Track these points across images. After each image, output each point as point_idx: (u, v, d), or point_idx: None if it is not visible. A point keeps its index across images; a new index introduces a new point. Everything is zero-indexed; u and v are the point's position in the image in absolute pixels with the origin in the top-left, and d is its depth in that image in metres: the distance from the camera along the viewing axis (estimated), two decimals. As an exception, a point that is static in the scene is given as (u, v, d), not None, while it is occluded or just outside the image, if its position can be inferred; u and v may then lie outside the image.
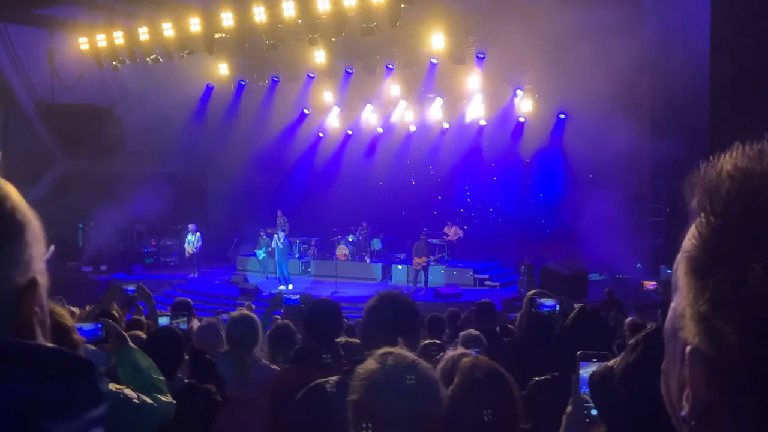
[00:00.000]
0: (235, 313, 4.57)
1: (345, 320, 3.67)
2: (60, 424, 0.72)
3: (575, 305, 3.76)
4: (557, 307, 4.18)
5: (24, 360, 0.73)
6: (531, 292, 4.63)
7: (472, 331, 4.93)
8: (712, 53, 14.05)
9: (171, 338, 3.46)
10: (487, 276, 17.56)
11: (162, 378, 2.78)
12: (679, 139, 13.97)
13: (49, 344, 0.80)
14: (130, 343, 2.81)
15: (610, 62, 15.17)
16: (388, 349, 1.80)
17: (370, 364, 1.78)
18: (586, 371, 2.09)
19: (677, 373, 0.69)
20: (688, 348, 0.65)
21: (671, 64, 15.48)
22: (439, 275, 17.56)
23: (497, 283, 17.18)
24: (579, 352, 2.08)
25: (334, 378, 2.50)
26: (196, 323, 5.65)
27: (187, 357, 3.57)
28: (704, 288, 0.63)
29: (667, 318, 0.71)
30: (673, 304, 0.70)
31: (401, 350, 1.81)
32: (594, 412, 1.94)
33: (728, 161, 0.65)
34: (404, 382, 1.72)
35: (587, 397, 1.96)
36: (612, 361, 1.64)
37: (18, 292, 0.79)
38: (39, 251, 0.84)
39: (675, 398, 0.70)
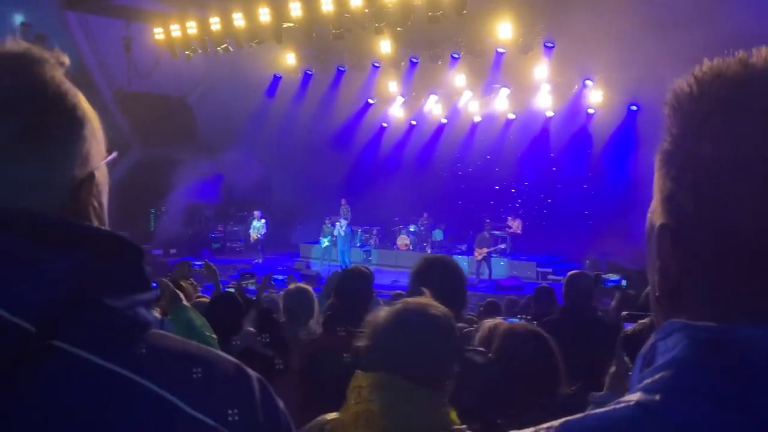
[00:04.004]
0: (291, 287, 4.63)
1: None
2: (111, 298, 0.78)
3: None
4: (622, 282, 4.12)
5: (76, 236, 0.79)
6: (571, 273, 4.62)
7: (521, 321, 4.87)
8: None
9: (230, 303, 3.52)
10: (550, 270, 17.23)
11: (214, 336, 2.85)
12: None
13: (102, 227, 0.86)
14: (184, 301, 2.88)
15: (684, 52, 14.55)
16: (404, 298, 1.81)
17: (380, 311, 1.79)
18: None
19: (654, 263, 0.75)
20: (657, 225, 0.74)
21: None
22: (501, 268, 17.35)
23: (561, 278, 16.78)
24: (624, 312, 2.04)
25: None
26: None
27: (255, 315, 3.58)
28: (669, 171, 0.73)
29: (646, 222, 0.78)
30: (650, 208, 0.78)
31: (417, 298, 1.80)
32: None
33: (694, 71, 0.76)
34: (411, 322, 1.71)
35: None
36: (648, 319, 1.60)
37: (76, 184, 0.85)
38: (98, 149, 0.91)
39: (654, 289, 0.76)
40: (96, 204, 0.89)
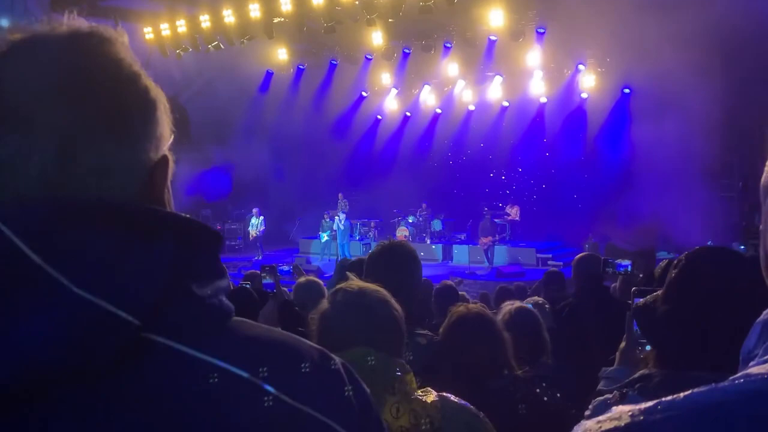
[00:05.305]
0: (301, 280, 4.61)
1: None
2: (198, 286, 0.76)
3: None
4: (629, 268, 4.17)
5: (163, 223, 0.76)
6: (579, 255, 4.67)
7: (537, 297, 4.89)
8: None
9: (246, 298, 3.49)
10: (550, 255, 17.29)
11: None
12: (752, 115, 13.33)
13: (182, 213, 0.82)
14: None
15: (679, 34, 14.55)
16: (339, 285, 1.82)
17: (322, 305, 1.81)
18: None
19: None
20: None
21: (747, 37, 14.68)
22: (501, 255, 17.39)
23: (560, 263, 16.86)
24: (634, 288, 2.05)
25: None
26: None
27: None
28: None
29: (763, 176, 0.72)
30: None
31: (350, 282, 1.82)
32: (648, 348, 1.88)
33: None
34: (354, 311, 1.74)
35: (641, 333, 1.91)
36: (660, 291, 1.61)
37: (151, 168, 0.82)
38: (168, 132, 0.87)
39: None
40: (166, 189, 0.86)
